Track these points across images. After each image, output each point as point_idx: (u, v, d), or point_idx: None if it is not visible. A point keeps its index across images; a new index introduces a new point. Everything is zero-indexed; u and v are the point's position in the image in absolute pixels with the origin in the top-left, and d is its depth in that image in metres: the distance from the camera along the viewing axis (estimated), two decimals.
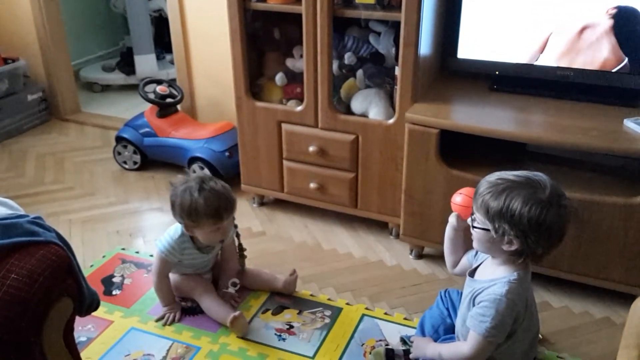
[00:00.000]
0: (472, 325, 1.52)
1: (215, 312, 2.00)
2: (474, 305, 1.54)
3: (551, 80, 2.20)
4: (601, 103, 2.13)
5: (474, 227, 1.51)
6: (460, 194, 1.67)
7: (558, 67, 2.17)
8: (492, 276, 1.54)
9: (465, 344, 1.55)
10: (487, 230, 1.46)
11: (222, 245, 2.07)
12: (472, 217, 1.52)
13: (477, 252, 1.68)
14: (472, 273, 1.64)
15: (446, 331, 1.76)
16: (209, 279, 2.14)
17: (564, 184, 1.96)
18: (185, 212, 1.87)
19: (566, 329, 1.99)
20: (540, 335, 1.93)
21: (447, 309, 1.81)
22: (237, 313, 1.93)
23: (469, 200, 1.60)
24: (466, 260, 1.74)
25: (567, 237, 1.95)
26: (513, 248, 1.45)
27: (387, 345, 1.90)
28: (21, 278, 1.21)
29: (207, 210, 1.85)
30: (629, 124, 1.96)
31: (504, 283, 1.48)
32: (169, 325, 2.00)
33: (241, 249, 2.17)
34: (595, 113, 2.08)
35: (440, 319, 1.79)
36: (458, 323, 1.67)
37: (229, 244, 2.12)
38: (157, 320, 2.02)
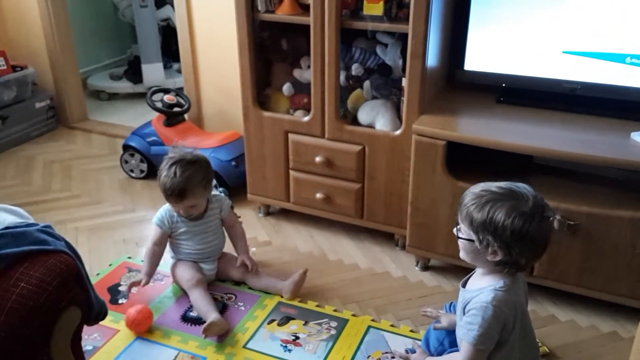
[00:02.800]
0: (462, 334, 1.53)
1: (199, 307, 2.07)
2: (464, 314, 1.55)
3: (558, 93, 2.21)
4: (608, 116, 2.13)
5: (459, 237, 1.52)
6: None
7: (565, 80, 2.17)
8: (479, 285, 1.55)
9: (459, 353, 1.56)
10: (472, 241, 1.48)
11: (224, 224, 2.26)
12: (457, 227, 1.53)
13: None
14: (464, 283, 1.64)
15: (451, 344, 1.75)
16: (211, 271, 2.24)
17: (570, 197, 1.98)
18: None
19: (573, 343, 1.98)
20: (546, 350, 1.93)
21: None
22: (214, 319, 1.96)
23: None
24: None
25: (574, 251, 1.98)
26: (497, 258, 1.47)
27: (392, 357, 1.90)
28: (31, 287, 1.22)
29: (165, 191, 2.06)
30: (636, 137, 1.96)
31: (490, 291, 1.49)
32: (130, 291, 2.17)
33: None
34: (602, 126, 2.08)
35: (445, 331, 1.79)
36: (457, 334, 1.67)
37: (232, 224, 2.27)
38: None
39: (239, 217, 2.35)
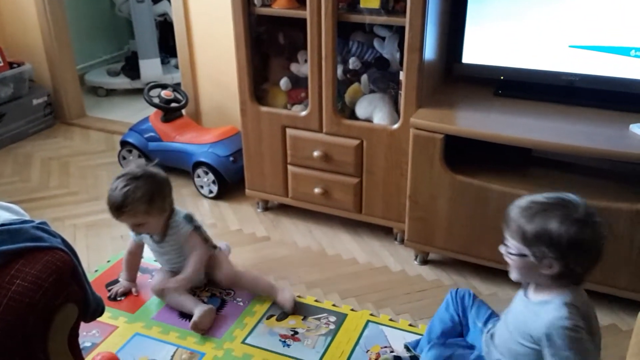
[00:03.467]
0: None
1: (179, 307, 2.06)
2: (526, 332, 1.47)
3: (556, 86, 2.20)
4: (607, 108, 2.13)
5: (510, 254, 1.46)
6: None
7: (563, 72, 2.16)
8: (541, 298, 1.48)
9: None
10: (525, 255, 1.43)
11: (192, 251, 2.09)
12: (505, 246, 1.48)
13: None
14: (526, 292, 1.55)
15: (455, 334, 1.73)
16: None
17: (568, 190, 1.95)
18: None
19: None
20: None
21: (458, 315, 1.76)
22: (199, 312, 1.96)
23: None
24: None
25: None
26: (553, 271, 1.41)
27: (392, 351, 1.89)
28: (26, 284, 1.21)
29: (107, 204, 1.96)
30: (635, 129, 1.95)
31: (558, 305, 1.42)
32: (112, 299, 2.13)
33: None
34: (601, 118, 2.08)
35: (451, 323, 1.75)
36: (501, 335, 1.58)
37: (190, 251, 2.09)
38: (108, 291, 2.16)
39: (211, 243, 2.17)
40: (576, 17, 2.08)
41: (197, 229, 2.11)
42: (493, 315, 1.72)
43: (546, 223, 1.38)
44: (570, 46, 2.12)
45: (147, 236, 2.08)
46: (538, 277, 1.46)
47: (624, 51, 2.06)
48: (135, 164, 2.02)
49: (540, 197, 1.45)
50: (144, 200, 1.92)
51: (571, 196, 1.44)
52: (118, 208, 1.92)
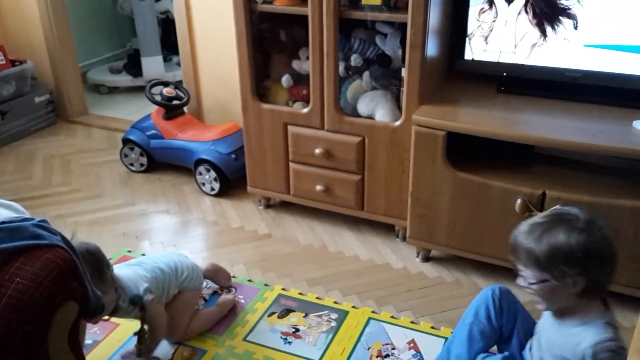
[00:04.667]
0: None
1: None
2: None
3: (559, 82, 2.19)
4: (610, 105, 2.11)
5: (530, 284, 1.40)
6: None
7: (566, 69, 2.15)
8: (579, 319, 1.42)
9: None
10: (546, 281, 1.38)
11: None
12: (522, 277, 1.42)
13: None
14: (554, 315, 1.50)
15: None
16: None
17: (571, 187, 1.96)
18: None
19: None
20: None
21: (499, 320, 1.60)
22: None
23: None
24: None
25: None
26: (579, 288, 1.37)
27: (393, 348, 1.89)
28: (26, 282, 1.21)
29: None
30: (639, 125, 1.94)
31: (595, 326, 1.38)
32: None
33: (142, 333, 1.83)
34: (604, 115, 2.06)
35: (490, 329, 1.59)
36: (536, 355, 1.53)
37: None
38: None
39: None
40: (581, 14, 2.06)
41: (143, 309, 1.79)
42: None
43: (555, 240, 1.35)
44: (585, 45, 2.10)
45: None
46: (567, 300, 1.41)
47: (629, 49, 2.04)
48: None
49: (538, 218, 1.43)
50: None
51: (567, 208, 1.44)
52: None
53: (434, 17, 2.08)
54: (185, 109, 3.13)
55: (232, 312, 2.07)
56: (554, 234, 1.36)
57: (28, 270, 1.23)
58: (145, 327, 1.81)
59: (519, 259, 1.41)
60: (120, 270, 1.81)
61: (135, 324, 1.87)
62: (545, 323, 1.53)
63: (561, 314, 1.47)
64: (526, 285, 1.42)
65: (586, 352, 1.37)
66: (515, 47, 2.19)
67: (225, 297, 2.12)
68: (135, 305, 1.77)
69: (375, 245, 2.46)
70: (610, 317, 1.42)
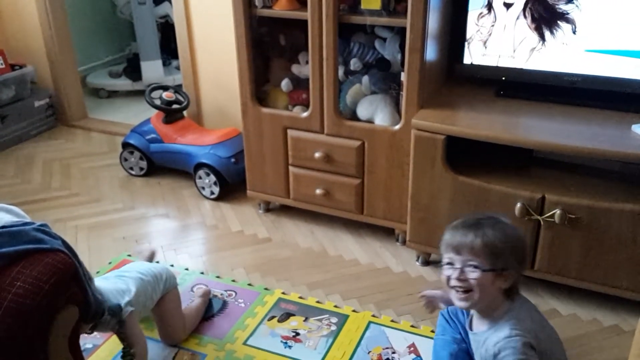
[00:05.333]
0: None
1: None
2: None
3: (558, 86, 2.19)
4: (609, 109, 2.12)
5: (482, 270, 1.45)
6: None
7: (565, 73, 2.15)
8: (486, 324, 1.53)
9: None
10: (493, 270, 1.45)
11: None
12: (460, 269, 1.47)
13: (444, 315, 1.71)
14: (470, 326, 1.60)
15: (463, 355, 1.68)
16: None
17: (571, 191, 1.97)
18: None
19: (574, 336, 1.97)
20: None
21: (460, 333, 1.70)
22: None
23: None
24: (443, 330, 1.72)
25: (575, 244, 1.97)
26: (509, 283, 1.47)
27: (394, 352, 1.89)
28: (27, 286, 1.21)
29: None
30: (637, 129, 1.94)
31: (505, 324, 1.47)
32: None
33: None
34: (602, 119, 2.07)
35: (455, 344, 1.69)
36: None
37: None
38: None
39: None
40: (580, 19, 2.07)
41: (120, 322, 1.70)
42: None
43: (511, 233, 1.48)
44: (586, 50, 2.11)
45: None
46: (494, 296, 1.49)
47: (628, 53, 2.05)
48: None
49: (466, 217, 1.55)
50: None
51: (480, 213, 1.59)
52: None
53: (433, 21, 2.09)
54: (184, 113, 3.14)
55: (229, 313, 2.07)
56: (501, 226, 1.48)
57: (29, 275, 1.23)
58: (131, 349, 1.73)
59: (468, 247, 1.46)
60: (100, 282, 1.74)
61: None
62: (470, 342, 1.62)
63: (481, 314, 1.54)
64: (462, 277, 1.47)
65: (492, 350, 1.45)
66: (514, 51, 2.20)
67: (201, 287, 2.16)
68: (114, 317, 1.67)
69: (375, 249, 2.46)
70: (516, 315, 1.48)
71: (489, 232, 1.45)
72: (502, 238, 1.45)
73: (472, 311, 1.59)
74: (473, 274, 1.46)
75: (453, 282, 1.49)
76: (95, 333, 1.95)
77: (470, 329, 1.60)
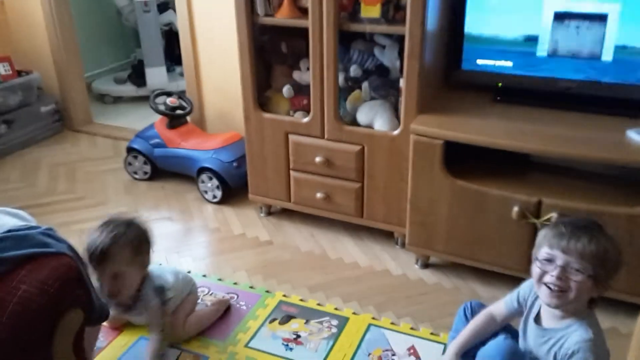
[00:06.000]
0: None
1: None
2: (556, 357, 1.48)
3: (554, 92, 2.22)
4: (604, 114, 2.14)
5: (577, 275, 1.43)
6: None
7: (561, 79, 2.18)
8: (563, 323, 1.50)
9: None
10: (593, 277, 1.43)
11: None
12: (562, 268, 1.45)
13: (518, 296, 1.66)
14: (537, 320, 1.57)
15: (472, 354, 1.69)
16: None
17: (567, 195, 1.99)
18: None
19: None
20: None
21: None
22: None
23: None
24: (513, 307, 1.67)
25: None
26: (600, 293, 1.46)
27: (394, 354, 1.92)
28: (33, 289, 1.23)
29: (87, 252, 1.70)
30: (632, 134, 1.97)
31: (581, 326, 1.45)
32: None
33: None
34: (598, 124, 2.09)
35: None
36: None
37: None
38: None
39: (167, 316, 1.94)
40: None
41: (164, 303, 1.91)
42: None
43: (611, 242, 1.44)
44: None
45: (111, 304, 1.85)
46: (579, 302, 1.47)
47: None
48: (118, 213, 1.87)
49: (572, 219, 1.51)
50: (132, 245, 1.77)
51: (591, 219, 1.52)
52: (103, 251, 1.69)
53: (431, 28, 2.12)
54: (188, 118, 3.18)
55: (231, 315, 2.11)
56: (612, 240, 1.45)
57: (34, 278, 1.26)
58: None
59: (575, 250, 1.43)
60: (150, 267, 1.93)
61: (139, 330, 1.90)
62: (529, 335, 1.59)
63: (564, 312, 1.51)
64: (565, 277, 1.43)
65: (570, 349, 1.44)
66: (511, 57, 2.23)
67: (219, 298, 2.17)
68: (157, 296, 1.86)
69: (374, 252, 2.49)
70: (593, 321, 1.48)
71: (601, 241, 1.43)
72: (611, 250, 1.43)
73: (543, 307, 1.56)
74: (576, 277, 1.43)
75: (549, 279, 1.46)
76: (99, 335, 1.99)
77: (537, 323, 1.57)
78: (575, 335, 1.45)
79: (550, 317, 1.55)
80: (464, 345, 1.69)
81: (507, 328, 1.71)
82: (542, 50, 2.17)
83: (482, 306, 1.77)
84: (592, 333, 1.44)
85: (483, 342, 1.65)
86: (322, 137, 2.42)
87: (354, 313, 2.12)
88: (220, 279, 2.32)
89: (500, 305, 1.69)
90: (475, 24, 2.23)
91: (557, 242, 1.45)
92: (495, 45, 2.23)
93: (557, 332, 1.50)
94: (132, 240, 1.77)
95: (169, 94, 3.17)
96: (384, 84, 2.36)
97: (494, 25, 2.21)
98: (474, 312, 1.76)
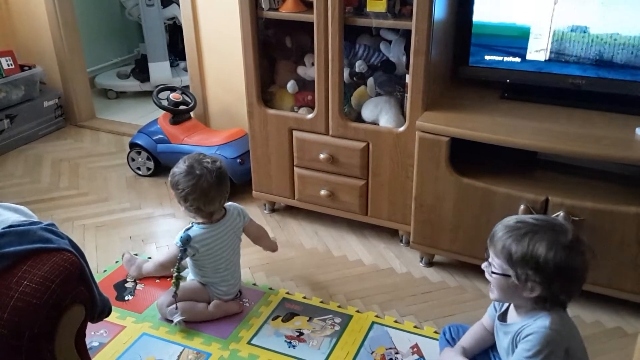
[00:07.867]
0: None
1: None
2: (516, 346, 1.47)
3: (562, 88, 2.20)
4: (613, 111, 2.12)
5: (492, 272, 1.45)
6: None
7: (569, 75, 2.16)
8: (526, 318, 1.47)
9: None
10: (508, 276, 1.41)
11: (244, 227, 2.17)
12: (489, 262, 1.47)
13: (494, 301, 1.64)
14: (503, 317, 1.57)
15: None
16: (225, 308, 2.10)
17: (574, 193, 1.97)
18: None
19: None
20: None
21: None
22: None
23: None
24: (493, 312, 1.66)
25: None
26: (535, 294, 1.40)
27: (397, 353, 1.90)
28: (34, 285, 1.22)
29: (203, 186, 1.98)
30: None
31: (545, 316, 1.42)
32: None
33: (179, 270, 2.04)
34: (606, 121, 2.07)
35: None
36: None
37: (250, 228, 2.20)
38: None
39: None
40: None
41: (184, 253, 2.05)
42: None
43: (534, 246, 1.36)
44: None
45: (201, 228, 2.05)
46: (518, 299, 1.46)
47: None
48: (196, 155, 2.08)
49: (528, 217, 1.44)
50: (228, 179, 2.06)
51: (560, 220, 1.46)
52: (219, 182, 1.99)
53: (438, 23, 2.10)
54: (191, 113, 3.16)
55: (235, 315, 2.10)
56: (537, 240, 1.37)
57: (36, 274, 1.25)
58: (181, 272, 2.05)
59: (494, 247, 1.43)
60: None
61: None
62: (498, 337, 1.59)
63: (516, 309, 1.51)
64: (488, 272, 1.48)
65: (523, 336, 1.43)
66: (519, 53, 2.20)
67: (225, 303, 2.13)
68: (184, 244, 2.01)
69: (379, 250, 2.47)
70: (554, 319, 1.42)
71: (525, 238, 1.38)
72: (531, 251, 1.36)
73: (511, 306, 1.56)
74: (490, 271, 1.46)
75: (484, 268, 1.49)
76: (102, 331, 1.98)
77: (504, 320, 1.56)
78: (536, 323, 1.43)
79: (514, 315, 1.54)
80: (465, 348, 1.69)
81: None
82: (546, 48, 2.15)
83: (460, 327, 1.77)
84: (554, 324, 1.40)
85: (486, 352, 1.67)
86: (327, 133, 2.40)
87: (357, 311, 2.11)
88: None
89: (486, 313, 1.70)
90: (483, 14, 2.21)
91: (491, 236, 1.46)
92: (502, 39, 2.21)
93: (518, 324, 1.49)
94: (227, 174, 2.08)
95: (172, 89, 3.16)
96: (390, 80, 2.34)
97: (502, 16, 2.19)
98: (453, 333, 1.76)
